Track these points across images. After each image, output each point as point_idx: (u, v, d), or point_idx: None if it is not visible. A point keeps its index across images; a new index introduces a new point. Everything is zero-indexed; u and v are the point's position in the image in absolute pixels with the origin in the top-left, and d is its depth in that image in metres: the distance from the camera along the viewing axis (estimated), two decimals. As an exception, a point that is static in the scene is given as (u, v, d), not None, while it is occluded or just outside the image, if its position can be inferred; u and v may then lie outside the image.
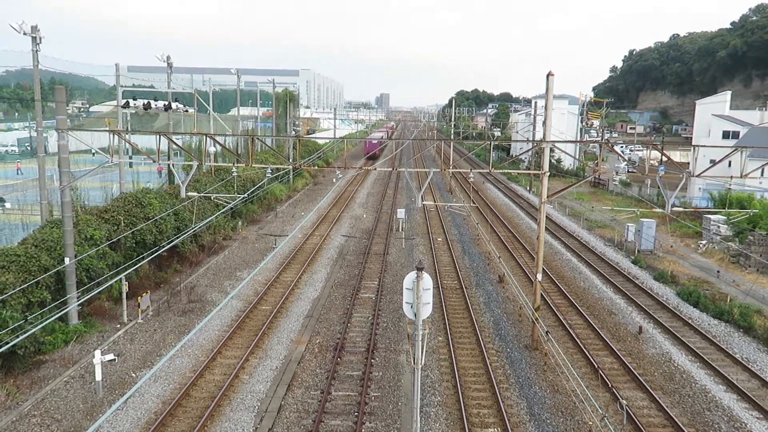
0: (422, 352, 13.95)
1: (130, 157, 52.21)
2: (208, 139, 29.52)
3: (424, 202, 41.53)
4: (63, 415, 19.23)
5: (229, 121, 71.46)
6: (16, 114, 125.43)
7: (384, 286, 33.56)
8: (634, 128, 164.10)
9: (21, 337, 19.03)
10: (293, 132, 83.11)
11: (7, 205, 41.45)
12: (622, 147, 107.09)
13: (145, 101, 48.92)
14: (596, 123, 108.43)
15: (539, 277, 25.67)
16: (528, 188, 75.10)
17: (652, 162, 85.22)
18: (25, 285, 22.87)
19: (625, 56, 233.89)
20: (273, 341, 25.52)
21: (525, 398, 21.28)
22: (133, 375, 22.11)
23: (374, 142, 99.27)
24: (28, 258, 23.94)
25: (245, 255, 39.39)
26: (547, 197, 25.42)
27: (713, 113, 69.75)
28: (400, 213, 48.75)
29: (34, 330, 19.88)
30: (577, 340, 26.03)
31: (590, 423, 19.35)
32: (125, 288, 27.23)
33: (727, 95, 73.79)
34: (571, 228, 50.43)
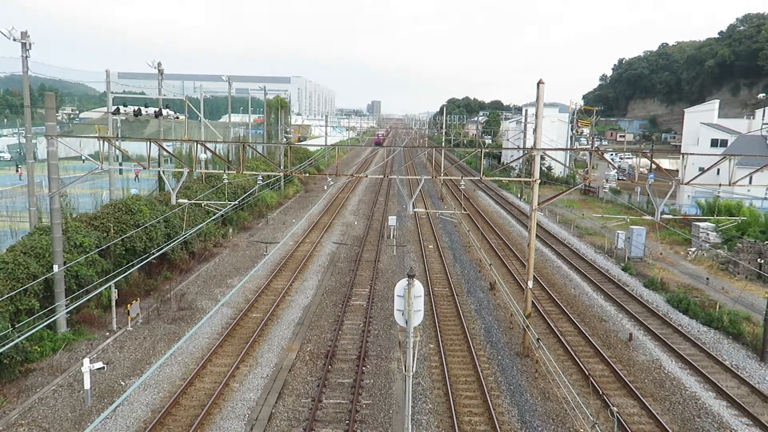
0: (413, 359, 13.93)
1: (120, 164, 52.00)
2: (198, 145, 29.45)
3: (415, 210, 41.54)
4: (51, 424, 19.03)
5: (220, 128, 71.34)
6: (5, 120, 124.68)
7: (375, 294, 33.51)
8: (623, 136, 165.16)
9: (8, 346, 18.84)
10: (284, 139, 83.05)
11: None
12: (611, 155, 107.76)
13: (136, 108, 48.79)
14: (586, 131, 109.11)
15: (530, 284, 25.73)
16: (519, 196, 75.36)
17: (641, 170, 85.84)
18: (13, 293, 22.66)
19: (615, 65, 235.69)
20: (264, 349, 25.40)
21: (516, 405, 21.28)
22: (123, 383, 21.93)
23: (380, 136, 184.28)
24: (17, 265, 23.73)
25: (236, 262, 39.24)
26: (538, 205, 25.52)
27: (702, 121, 70.36)
28: (392, 220, 48.77)
29: (21, 338, 19.70)
30: (568, 347, 26.08)
31: (581, 430, 19.38)
32: (115, 295, 27.04)
33: (715, 104, 74.45)
34: (561, 235, 50.62)
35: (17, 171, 68.51)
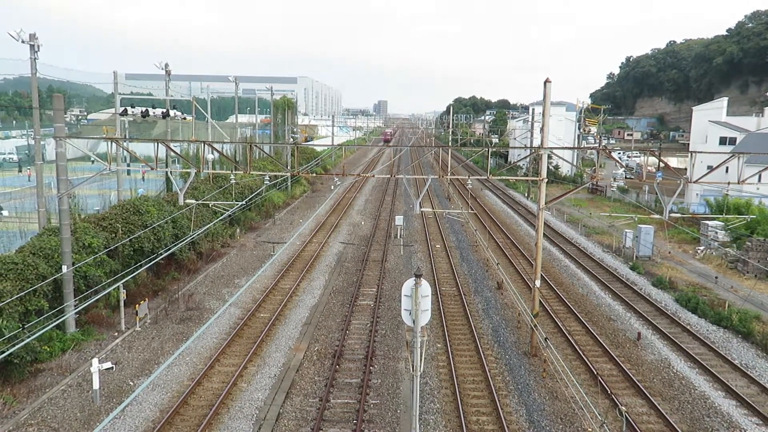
0: (421, 359, 13.92)
1: (128, 165, 52.22)
2: (206, 146, 29.53)
3: (422, 209, 41.50)
4: (60, 424, 19.14)
5: (227, 129, 71.48)
6: (14, 122, 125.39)
7: (382, 293, 33.52)
8: (631, 135, 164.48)
9: (17, 346, 18.95)
10: (291, 139, 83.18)
11: (5, 213, 41.34)
12: (619, 153, 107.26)
13: (143, 109, 48.96)
14: (594, 129, 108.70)
15: (538, 283, 25.66)
16: (526, 195, 75.17)
17: (649, 168, 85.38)
18: (23, 293, 22.80)
19: (622, 63, 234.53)
20: (271, 349, 25.45)
21: (524, 405, 21.23)
22: (131, 383, 22.03)
23: (388, 133, 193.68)
24: (26, 266, 23.86)
25: (243, 262, 39.34)
26: (545, 204, 25.45)
27: (710, 119, 69.91)
28: (399, 220, 48.76)
29: (30, 339, 19.81)
30: (576, 347, 26.00)
31: (589, 430, 19.32)
32: (123, 296, 27.16)
33: (723, 101, 73.94)
34: (569, 234, 50.46)
35: (20, 172, 69.00)
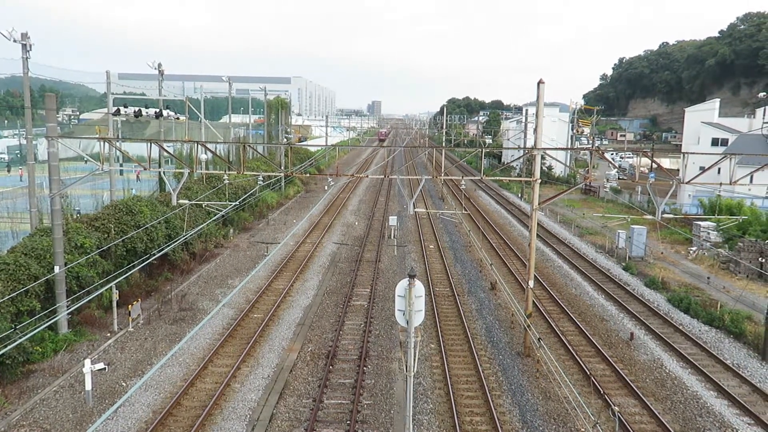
0: (414, 359, 13.92)
1: (121, 165, 52.00)
2: (199, 146, 29.46)
3: (415, 210, 41.53)
4: (52, 425, 19.04)
5: (220, 129, 71.37)
6: (6, 121, 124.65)
7: (376, 294, 33.51)
8: (624, 136, 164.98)
9: (9, 347, 18.85)
10: (285, 139, 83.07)
11: None
12: (612, 154, 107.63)
13: (136, 109, 48.72)
14: (587, 130, 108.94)
15: (531, 284, 25.72)
16: (519, 195, 75.31)
17: (642, 169, 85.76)
18: (14, 294, 22.67)
19: (615, 64, 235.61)
20: (265, 349, 25.41)
21: (517, 405, 21.28)
22: (124, 384, 21.94)
23: (383, 133, 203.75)
24: (18, 266, 23.74)
25: (237, 263, 39.25)
26: (539, 204, 25.52)
27: (702, 121, 70.30)
28: (392, 220, 48.76)
29: (22, 339, 19.71)
30: (569, 347, 26.07)
31: (582, 430, 19.38)
32: (115, 296, 27.06)
33: (715, 103, 74.36)
34: (562, 235, 50.60)
35: (8, 171, 68.60)
